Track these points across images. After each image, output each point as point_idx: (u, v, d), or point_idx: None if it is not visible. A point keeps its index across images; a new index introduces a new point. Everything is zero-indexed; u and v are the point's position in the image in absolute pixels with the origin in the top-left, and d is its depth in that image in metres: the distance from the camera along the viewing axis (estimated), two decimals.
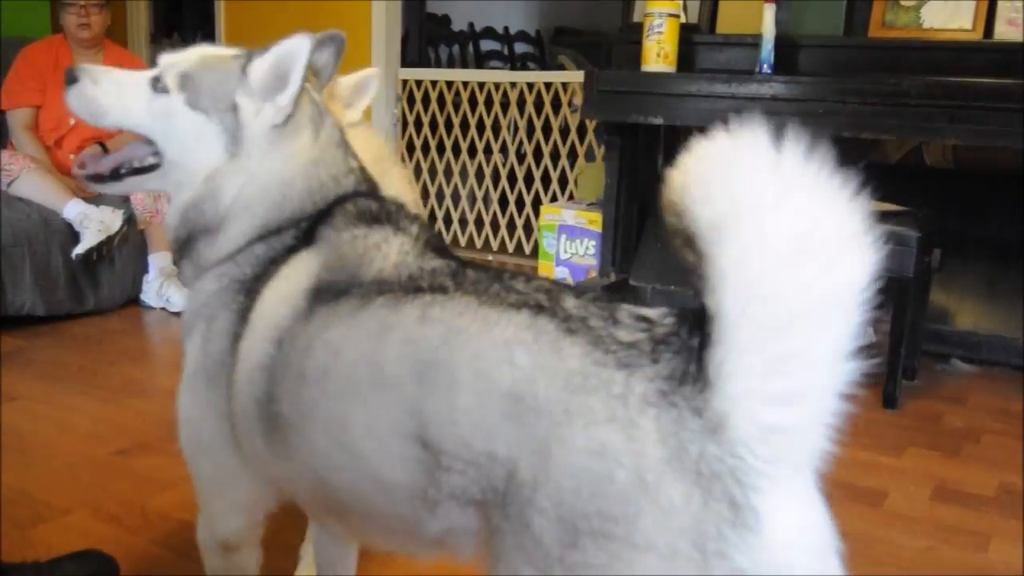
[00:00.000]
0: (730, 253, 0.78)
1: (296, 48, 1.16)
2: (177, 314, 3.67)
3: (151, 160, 1.25)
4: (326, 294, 1.07)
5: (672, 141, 4.21)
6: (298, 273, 1.12)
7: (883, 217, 3.20)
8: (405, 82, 5.24)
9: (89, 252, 3.44)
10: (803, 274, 0.77)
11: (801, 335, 0.77)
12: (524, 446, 0.85)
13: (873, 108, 3.12)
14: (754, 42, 3.52)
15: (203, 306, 1.20)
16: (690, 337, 0.83)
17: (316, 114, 1.23)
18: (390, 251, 1.09)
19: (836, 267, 0.78)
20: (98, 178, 1.31)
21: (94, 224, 3.45)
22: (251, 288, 1.15)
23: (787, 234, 0.77)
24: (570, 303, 0.92)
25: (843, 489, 2.29)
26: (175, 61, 1.22)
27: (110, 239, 3.52)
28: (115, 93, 1.24)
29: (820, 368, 0.78)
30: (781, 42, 3.46)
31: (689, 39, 3.73)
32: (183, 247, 1.24)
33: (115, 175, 1.29)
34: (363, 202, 1.17)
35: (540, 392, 0.85)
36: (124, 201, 3.66)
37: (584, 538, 0.80)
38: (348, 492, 1.03)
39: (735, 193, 0.80)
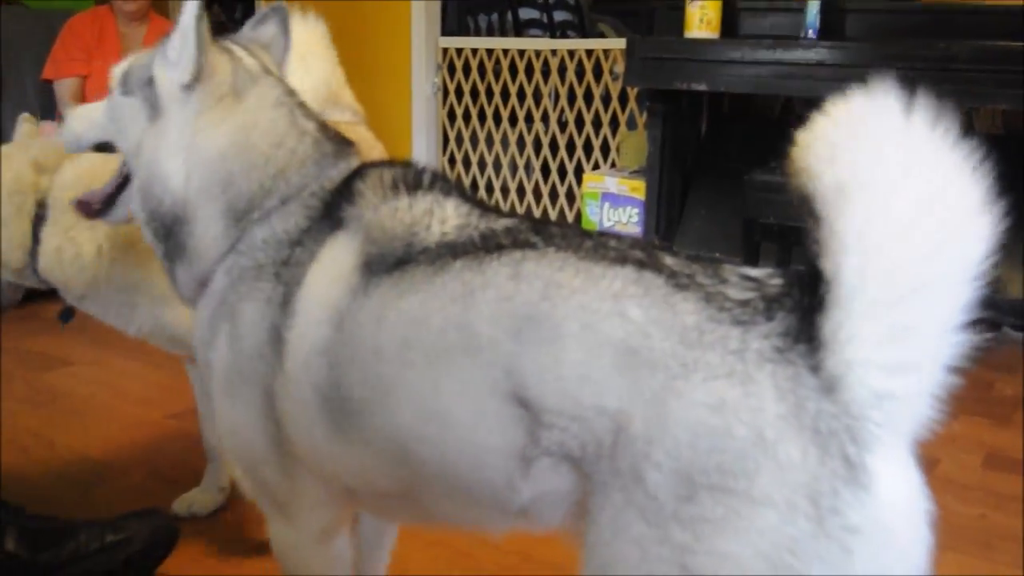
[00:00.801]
0: (853, 219, 0.79)
1: (186, 10, 1.14)
2: None
3: (125, 170, 1.25)
4: (380, 266, 1.03)
5: (715, 108, 4.18)
6: (340, 253, 1.07)
7: None
8: (445, 51, 5.24)
9: None
10: (926, 245, 0.77)
11: (920, 307, 0.78)
12: (637, 400, 0.84)
13: (921, 74, 3.07)
14: (799, 7, 3.49)
15: (220, 305, 1.15)
16: (802, 297, 0.83)
17: (242, 79, 1.17)
18: (446, 214, 1.05)
19: (958, 240, 0.78)
20: (93, 212, 1.32)
21: None
22: (279, 274, 1.10)
23: (913, 204, 0.78)
24: (670, 260, 0.91)
25: None
26: (120, 65, 1.25)
27: None
28: (83, 115, 1.28)
29: (934, 340, 0.79)
30: (827, 6, 3.42)
31: (732, 4, 3.70)
32: (169, 251, 1.19)
33: (109, 202, 1.29)
34: (391, 171, 1.12)
35: (655, 346, 0.85)
36: None
37: (701, 492, 0.80)
38: (434, 465, 1.00)
39: (863, 158, 0.80)
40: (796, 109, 4.12)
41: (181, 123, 1.15)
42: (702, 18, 3.51)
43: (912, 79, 3.07)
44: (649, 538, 0.83)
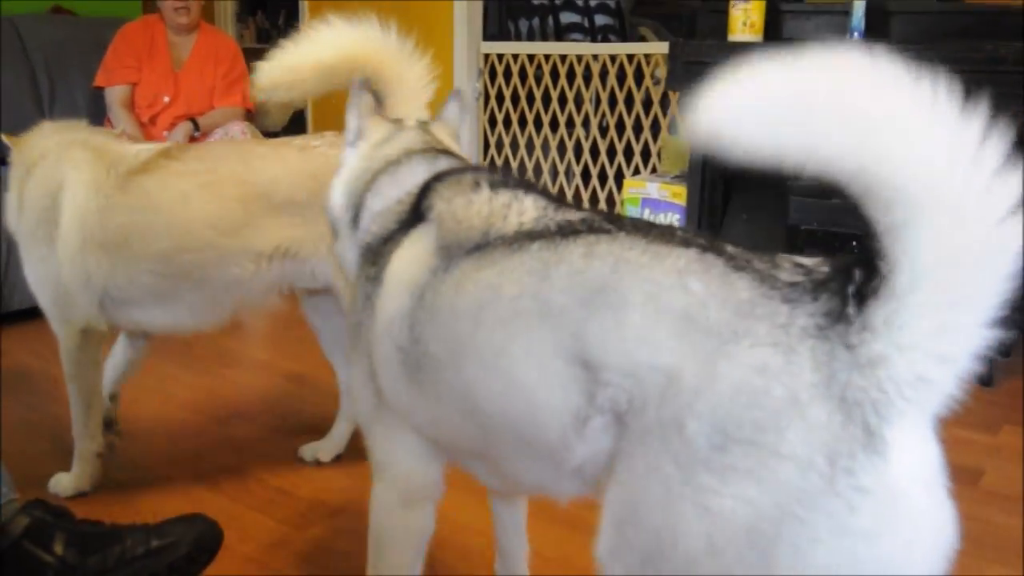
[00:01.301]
0: (920, 223, 0.84)
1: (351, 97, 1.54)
2: None
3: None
4: (459, 249, 1.18)
5: None
6: (421, 240, 1.26)
7: None
8: (487, 56, 5.25)
9: None
10: (983, 247, 0.83)
11: (969, 309, 0.85)
12: (690, 358, 0.94)
13: (968, 76, 3.00)
14: (844, 9, 3.45)
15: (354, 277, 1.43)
16: (847, 284, 0.91)
17: (389, 136, 1.50)
18: (524, 207, 1.18)
19: (1008, 238, 0.82)
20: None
21: None
22: (375, 258, 1.33)
23: (980, 219, 0.82)
24: (729, 248, 1.01)
25: None
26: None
27: None
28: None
29: (975, 336, 0.85)
30: (872, 8, 3.38)
31: (776, 7, 3.67)
32: (350, 227, 1.46)
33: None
34: (472, 174, 1.30)
35: (712, 315, 0.94)
36: None
37: (733, 444, 0.90)
38: (498, 420, 1.11)
39: (940, 163, 0.84)
40: None
41: (351, 161, 1.50)
42: (745, 21, 3.48)
43: (959, 82, 3.01)
44: (676, 478, 0.92)
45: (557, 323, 1.03)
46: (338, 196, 1.49)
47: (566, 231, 1.10)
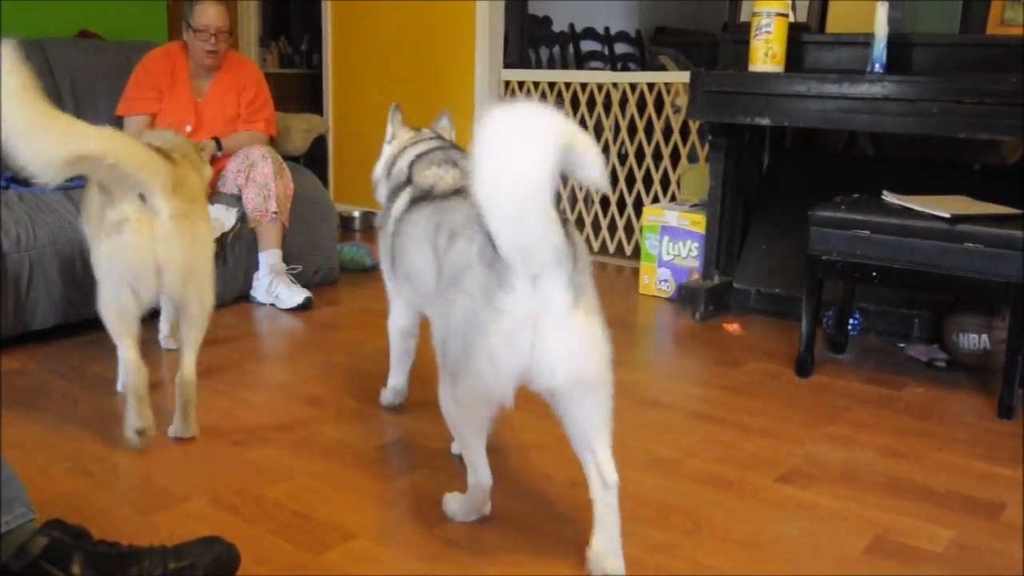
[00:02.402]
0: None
1: (391, 116, 2.64)
2: (286, 310, 3.76)
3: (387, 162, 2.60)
4: (417, 199, 2.23)
5: (777, 142, 4.15)
6: (406, 194, 2.31)
7: (999, 220, 3.10)
8: (507, 83, 5.28)
9: None
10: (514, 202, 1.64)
11: (519, 231, 1.65)
12: (450, 250, 1.90)
13: (990, 108, 3.03)
14: (865, 41, 3.46)
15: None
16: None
17: (412, 139, 2.53)
18: (447, 178, 2.23)
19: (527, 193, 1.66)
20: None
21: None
22: (390, 202, 2.40)
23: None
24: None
25: (959, 500, 2.23)
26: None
27: (224, 236, 3.63)
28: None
29: (534, 244, 1.66)
30: (894, 41, 3.38)
31: (798, 38, 3.68)
32: (390, 194, 2.43)
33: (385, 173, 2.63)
34: (437, 154, 2.34)
35: (458, 231, 1.89)
36: (236, 200, 3.77)
37: (452, 283, 1.83)
38: (417, 279, 2.19)
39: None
40: (861, 144, 4.07)
41: (386, 151, 2.58)
42: (767, 52, 3.49)
43: (981, 113, 3.04)
44: (442, 298, 1.88)
45: (431, 238, 2.05)
46: (379, 169, 2.55)
47: (449, 194, 2.13)
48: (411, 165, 2.33)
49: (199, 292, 2.42)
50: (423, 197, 2.18)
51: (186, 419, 2.47)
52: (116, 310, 2.35)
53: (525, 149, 1.58)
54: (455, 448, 2.37)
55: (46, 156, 1.98)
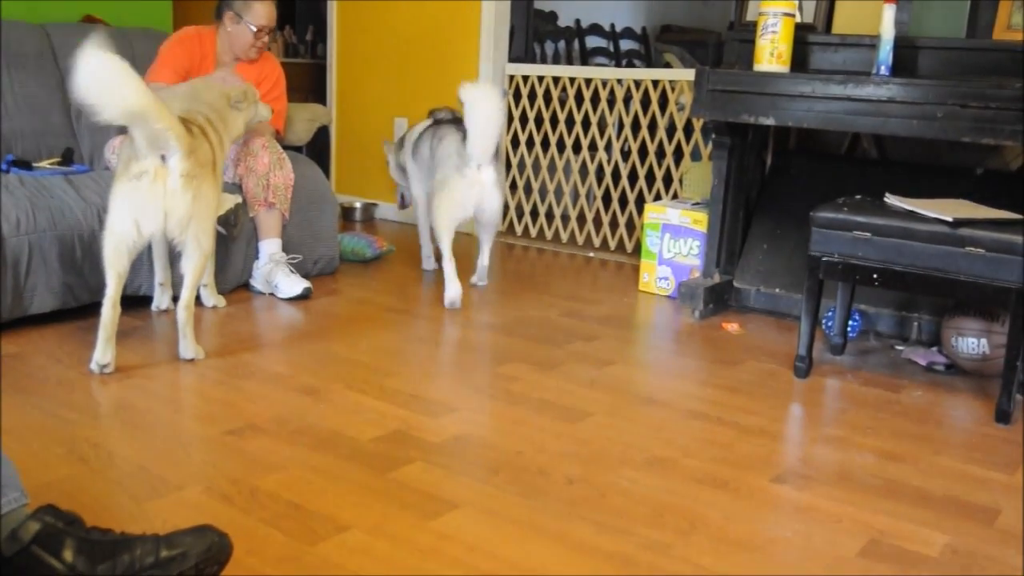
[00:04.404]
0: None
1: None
2: (284, 300, 3.76)
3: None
4: (426, 147, 4.08)
5: (781, 142, 4.14)
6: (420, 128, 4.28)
7: (1000, 225, 3.08)
8: (512, 77, 5.27)
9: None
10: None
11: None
12: (437, 146, 4.03)
13: (995, 113, 3.02)
14: (871, 43, 3.45)
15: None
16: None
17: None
18: (446, 135, 3.91)
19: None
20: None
21: None
22: (416, 153, 4.25)
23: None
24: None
25: (955, 504, 2.23)
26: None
27: (237, 207, 3.66)
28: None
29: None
30: (900, 43, 3.37)
31: (804, 39, 3.67)
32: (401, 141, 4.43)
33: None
34: (446, 125, 3.98)
35: (447, 136, 3.99)
36: (236, 188, 3.77)
37: (439, 164, 3.96)
38: (422, 163, 4.15)
39: None
40: (864, 146, 4.06)
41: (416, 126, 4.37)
42: (772, 51, 3.48)
43: (986, 118, 3.03)
44: (439, 169, 3.90)
45: (429, 141, 4.01)
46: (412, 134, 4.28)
47: (444, 122, 4.03)
48: (427, 129, 4.17)
49: (196, 237, 2.91)
50: (430, 127, 4.15)
51: (186, 339, 3.00)
52: (116, 237, 2.84)
53: (487, 98, 3.70)
54: (427, 265, 4.48)
55: (122, 105, 2.60)
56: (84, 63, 2.54)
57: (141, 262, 3.41)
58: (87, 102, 2.56)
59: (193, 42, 3.91)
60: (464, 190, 3.75)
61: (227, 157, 3.57)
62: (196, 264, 2.96)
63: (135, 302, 3.47)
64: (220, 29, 3.92)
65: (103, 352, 2.85)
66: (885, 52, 3.34)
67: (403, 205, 4.68)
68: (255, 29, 3.88)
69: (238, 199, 3.71)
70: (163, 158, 2.79)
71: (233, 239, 3.73)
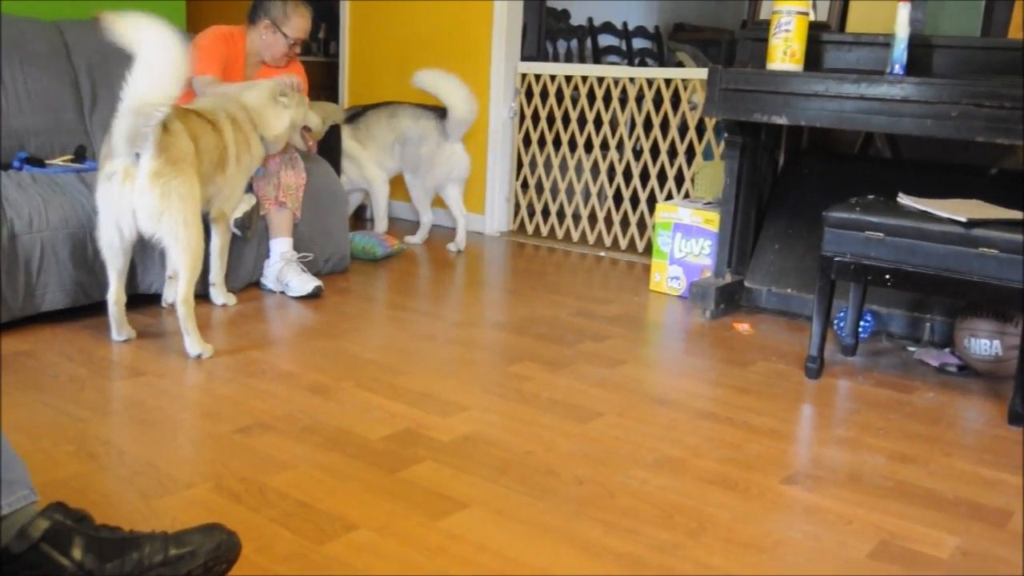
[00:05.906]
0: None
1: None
2: (295, 298, 3.76)
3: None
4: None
5: (793, 141, 4.12)
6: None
7: (1015, 226, 3.05)
8: (524, 76, 5.26)
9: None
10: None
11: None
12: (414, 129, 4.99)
13: (1009, 112, 3.00)
14: (886, 42, 3.43)
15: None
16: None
17: None
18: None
19: None
20: None
21: None
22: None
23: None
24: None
25: (967, 507, 2.21)
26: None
27: (253, 208, 3.67)
28: None
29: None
30: (914, 42, 3.35)
31: (817, 38, 3.65)
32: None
33: None
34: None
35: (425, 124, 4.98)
36: (248, 187, 3.77)
37: (420, 142, 4.88)
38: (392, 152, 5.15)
39: None
40: (877, 146, 4.04)
41: None
42: (786, 50, 3.47)
43: (1000, 118, 3.01)
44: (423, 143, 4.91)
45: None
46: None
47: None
48: None
49: (172, 232, 2.93)
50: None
51: (189, 335, 3.02)
52: (106, 241, 3.01)
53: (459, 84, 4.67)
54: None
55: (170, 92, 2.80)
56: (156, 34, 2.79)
57: (152, 260, 3.42)
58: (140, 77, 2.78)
59: (228, 41, 3.91)
60: (444, 161, 4.92)
61: (259, 155, 3.57)
62: (182, 259, 2.98)
63: (147, 300, 3.48)
64: (252, 32, 3.92)
65: (118, 332, 3.12)
66: (899, 51, 3.32)
67: None
68: (291, 41, 3.90)
69: (253, 200, 3.71)
70: (137, 156, 2.86)
71: (247, 240, 3.73)
